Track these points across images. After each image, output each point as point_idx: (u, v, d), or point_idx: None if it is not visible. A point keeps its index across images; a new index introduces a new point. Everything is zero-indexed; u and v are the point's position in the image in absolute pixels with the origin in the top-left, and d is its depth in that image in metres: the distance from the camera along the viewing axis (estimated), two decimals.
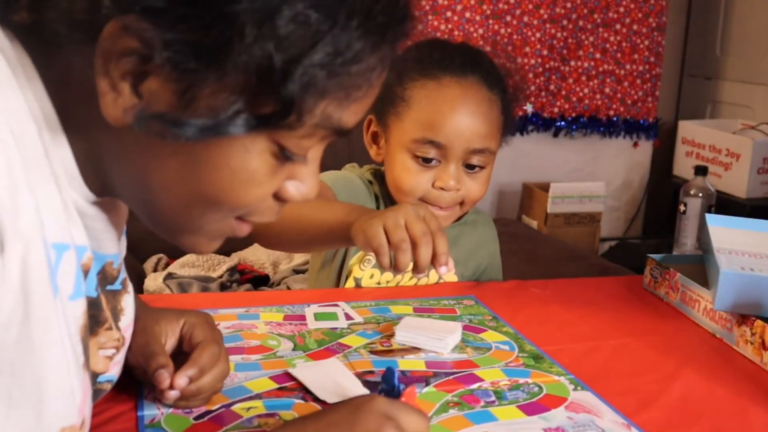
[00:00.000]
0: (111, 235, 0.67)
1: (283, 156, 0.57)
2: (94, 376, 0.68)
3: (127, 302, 0.73)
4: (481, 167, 1.15)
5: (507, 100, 1.18)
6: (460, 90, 1.13)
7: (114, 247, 0.67)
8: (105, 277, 0.68)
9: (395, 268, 0.87)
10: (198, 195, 0.57)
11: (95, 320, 0.66)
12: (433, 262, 0.88)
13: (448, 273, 0.89)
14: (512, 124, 1.21)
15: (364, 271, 1.23)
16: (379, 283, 1.24)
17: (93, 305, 0.65)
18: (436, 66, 1.14)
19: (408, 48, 1.18)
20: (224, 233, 0.63)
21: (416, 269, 0.88)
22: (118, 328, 0.70)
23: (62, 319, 0.56)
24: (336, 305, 1.12)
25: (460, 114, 1.11)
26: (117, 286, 0.70)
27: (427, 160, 1.13)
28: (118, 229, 0.70)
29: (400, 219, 0.88)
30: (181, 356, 0.81)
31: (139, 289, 1.63)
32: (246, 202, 0.58)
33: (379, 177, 1.24)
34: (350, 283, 1.24)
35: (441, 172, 1.14)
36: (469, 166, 1.15)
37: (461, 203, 1.17)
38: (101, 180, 0.61)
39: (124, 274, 0.72)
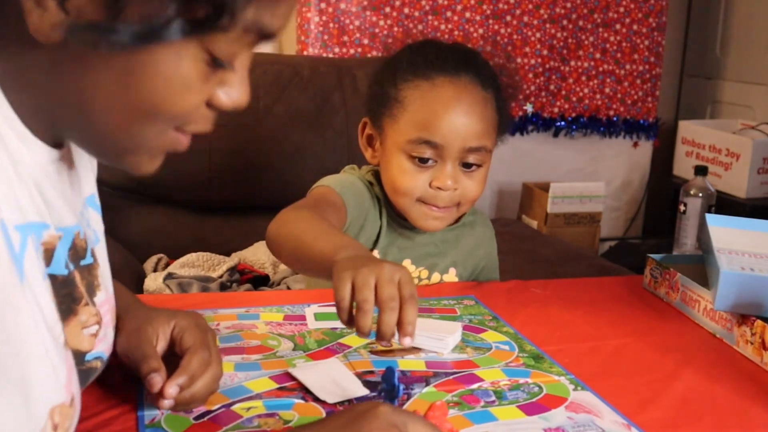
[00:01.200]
0: (70, 205, 0.67)
1: (214, 63, 0.58)
2: (80, 354, 0.68)
3: (103, 276, 0.73)
4: (478, 165, 1.16)
5: (502, 98, 1.18)
6: (454, 90, 1.13)
7: (74, 218, 0.67)
8: (76, 252, 0.67)
9: (356, 329, 0.79)
10: (136, 108, 0.58)
11: (71, 298, 0.66)
12: (399, 329, 0.80)
13: (411, 343, 0.80)
14: (508, 123, 1.22)
15: None
16: None
17: (66, 283, 0.65)
18: (430, 66, 1.14)
19: (401, 49, 1.21)
20: (165, 147, 0.66)
21: (378, 336, 0.79)
22: (93, 304, 0.69)
23: (33, 301, 0.56)
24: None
25: (455, 113, 1.11)
26: (89, 259, 0.69)
27: (423, 161, 1.13)
28: (78, 197, 0.70)
29: (370, 278, 0.79)
30: (174, 358, 0.80)
31: (139, 289, 1.63)
32: (182, 109, 0.60)
33: (379, 178, 1.24)
34: None
35: (438, 172, 1.14)
36: (466, 165, 1.15)
37: (459, 203, 1.18)
38: (47, 122, 0.61)
39: (92, 245, 0.71)
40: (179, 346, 0.81)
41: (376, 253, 1.20)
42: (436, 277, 1.26)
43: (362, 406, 0.67)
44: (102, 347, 0.72)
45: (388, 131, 1.16)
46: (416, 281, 1.23)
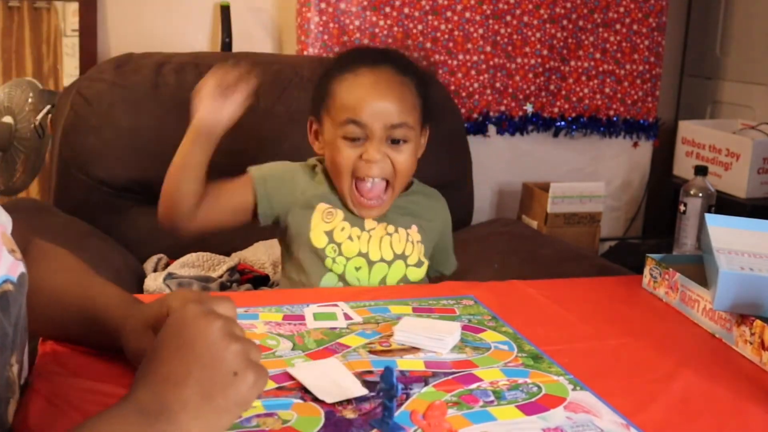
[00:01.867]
0: None
1: None
2: None
3: None
4: (405, 141, 1.29)
5: (422, 83, 1.33)
6: (373, 76, 1.29)
7: None
8: None
9: None
10: None
11: None
12: None
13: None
14: (432, 106, 1.36)
15: (330, 224, 1.31)
16: (350, 238, 1.32)
17: None
18: (353, 62, 1.31)
19: (333, 56, 1.41)
20: None
21: None
22: None
23: None
24: (335, 305, 1.12)
25: (375, 95, 1.27)
26: None
27: (354, 140, 1.27)
28: None
29: None
30: None
31: (139, 289, 1.63)
32: None
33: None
34: (321, 241, 1.30)
35: (366, 147, 1.27)
36: (393, 141, 1.28)
37: (390, 181, 1.30)
38: None
39: None
40: None
41: (331, 208, 1.32)
42: (402, 232, 1.36)
43: (177, 324, 0.66)
44: (2, 271, 0.71)
45: (325, 122, 1.32)
46: (385, 234, 1.34)
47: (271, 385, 0.87)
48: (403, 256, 1.35)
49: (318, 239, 1.31)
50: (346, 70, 1.30)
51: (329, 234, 1.32)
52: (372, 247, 1.33)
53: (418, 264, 1.36)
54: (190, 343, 0.65)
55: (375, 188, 1.30)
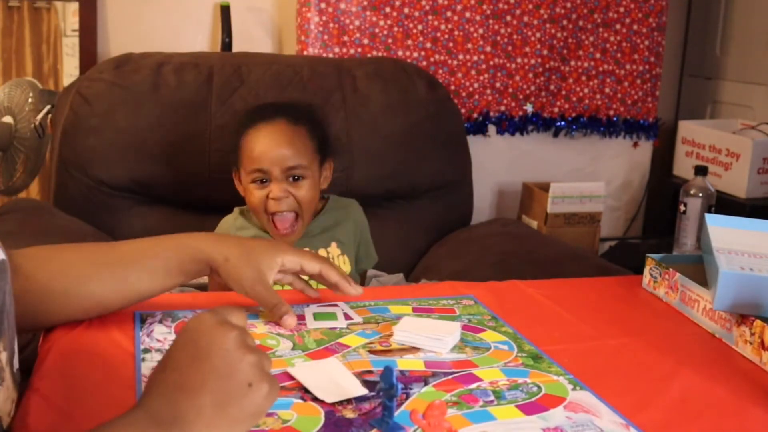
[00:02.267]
0: None
1: None
2: None
3: None
4: (302, 177, 1.50)
5: (314, 127, 1.55)
6: (270, 129, 1.51)
7: None
8: None
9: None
10: None
11: None
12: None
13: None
14: (328, 144, 1.59)
15: None
16: None
17: None
18: (255, 119, 1.53)
19: (241, 114, 1.64)
20: None
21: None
22: None
23: None
24: (335, 305, 1.12)
25: (268, 144, 1.49)
26: None
27: (262, 182, 1.50)
28: None
29: None
30: None
31: None
32: None
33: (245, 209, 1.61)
34: None
35: (271, 187, 1.49)
36: (294, 179, 1.49)
37: (298, 212, 1.50)
38: None
39: None
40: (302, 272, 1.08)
41: None
42: (323, 252, 1.57)
43: (190, 340, 0.67)
44: None
45: (241, 172, 1.54)
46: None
47: None
48: None
49: None
50: (250, 127, 1.52)
51: None
52: None
53: (351, 274, 1.57)
54: (205, 352, 0.65)
55: (285, 220, 1.50)
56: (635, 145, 2.77)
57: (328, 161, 1.59)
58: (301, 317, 1.08)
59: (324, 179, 1.57)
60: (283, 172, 1.48)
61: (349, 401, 0.84)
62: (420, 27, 2.41)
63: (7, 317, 0.77)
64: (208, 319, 0.67)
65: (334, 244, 1.59)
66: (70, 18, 2.27)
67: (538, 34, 2.54)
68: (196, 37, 2.39)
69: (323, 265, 1.08)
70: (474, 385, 0.89)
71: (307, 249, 1.11)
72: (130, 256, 1.02)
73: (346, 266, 1.59)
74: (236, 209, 1.62)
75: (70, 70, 2.27)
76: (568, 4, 2.55)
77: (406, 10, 2.38)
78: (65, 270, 0.97)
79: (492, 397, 0.87)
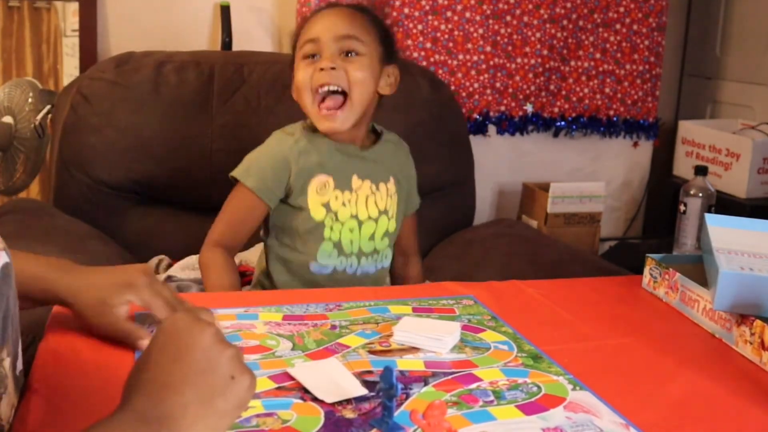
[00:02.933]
0: None
1: None
2: None
3: None
4: (356, 53, 1.37)
5: (382, 24, 1.45)
6: (327, 9, 1.43)
7: None
8: None
9: None
10: None
11: None
12: None
13: None
14: (391, 37, 1.47)
15: (325, 196, 1.41)
16: (343, 204, 1.43)
17: None
18: (317, 10, 1.45)
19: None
20: None
21: None
22: None
23: None
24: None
25: (325, 16, 1.40)
26: None
27: (312, 56, 1.38)
28: None
29: None
30: None
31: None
32: None
33: (305, 126, 1.46)
34: (320, 214, 1.41)
35: (320, 60, 1.37)
36: (346, 54, 1.37)
37: (346, 92, 1.36)
38: None
39: None
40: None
41: (322, 179, 1.41)
42: (382, 187, 1.47)
43: (166, 339, 0.68)
44: None
45: (295, 59, 1.43)
46: (369, 193, 1.45)
47: (271, 385, 0.88)
48: (385, 212, 1.47)
49: (317, 213, 1.41)
50: (310, 17, 1.44)
51: (326, 206, 1.42)
52: (360, 207, 1.44)
53: (396, 217, 1.50)
54: (185, 350, 0.66)
55: (331, 98, 1.36)
56: (635, 145, 2.76)
57: (393, 67, 1.45)
58: (301, 317, 1.08)
59: (387, 84, 1.44)
60: (336, 40, 1.36)
61: (348, 401, 0.84)
62: (420, 27, 2.41)
63: (11, 322, 0.77)
64: (183, 318, 0.69)
65: (392, 180, 1.49)
66: (70, 18, 2.27)
67: (538, 34, 2.54)
68: (196, 37, 2.39)
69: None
70: (474, 385, 0.89)
71: (164, 289, 0.99)
72: None
73: (396, 211, 1.49)
74: (289, 129, 1.47)
75: (70, 70, 2.27)
76: (568, 4, 2.54)
77: (406, 10, 2.38)
78: None
79: (492, 397, 0.87)
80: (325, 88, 1.36)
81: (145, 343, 0.92)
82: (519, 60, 2.53)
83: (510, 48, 2.52)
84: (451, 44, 2.45)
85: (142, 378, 0.66)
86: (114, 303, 0.95)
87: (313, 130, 1.44)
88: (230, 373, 0.67)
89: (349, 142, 1.44)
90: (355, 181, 1.44)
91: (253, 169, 1.42)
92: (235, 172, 1.43)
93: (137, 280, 0.97)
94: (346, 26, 1.38)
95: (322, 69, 1.35)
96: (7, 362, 0.77)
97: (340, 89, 1.36)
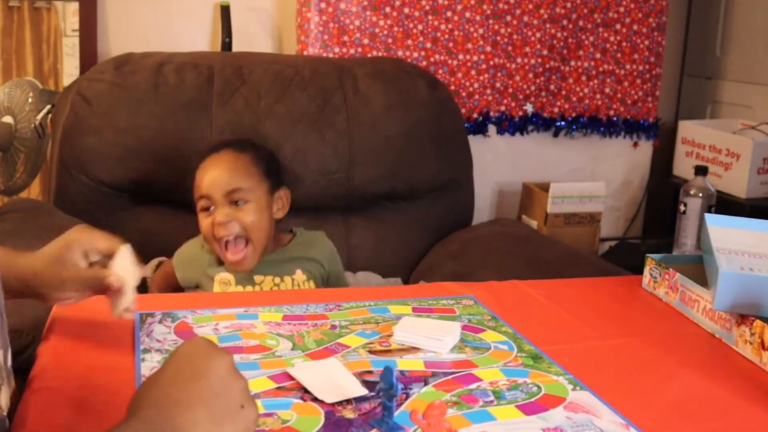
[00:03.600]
0: None
1: None
2: None
3: None
4: (244, 201, 1.51)
5: (261, 156, 1.59)
6: (214, 158, 1.56)
7: None
8: None
9: None
10: None
11: None
12: None
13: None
14: (279, 173, 1.63)
15: (229, 289, 1.54)
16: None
17: None
18: (205, 154, 1.58)
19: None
20: None
21: None
22: None
23: None
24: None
25: (211, 171, 1.53)
26: None
27: (205, 209, 1.52)
28: None
29: None
30: None
31: (139, 291, 1.63)
32: None
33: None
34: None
35: (216, 213, 1.51)
36: (237, 203, 1.50)
37: (245, 235, 1.50)
38: None
39: None
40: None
41: (225, 276, 1.55)
42: (288, 279, 1.57)
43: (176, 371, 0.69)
44: None
45: (197, 207, 1.56)
46: (273, 285, 1.55)
47: (271, 385, 0.88)
48: None
49: None
50: (200, 161, 1.56)
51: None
52: None
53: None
54: (203, 372, 0.69)
55: (235, 246, 1.50)
56: (635, 145, 2.77)
57: (282, 190, 1.60)
58: (301, 317, 1.07)
59: (278, 209, 1.59)
60: (225, 196, 1.50)
61: (348, 401, 0.84)
62: (420, 27, 2.41)
63: (1, 314, 0.77)
64: (202, 343, 0.72)
65: (299, 271, 1.59)
66: (70, 18, 2.27)
67: (538, 34, 2.54)
68: (196, 37, 2.39)
69: (114, 247, 1.04)
70: (474, 385, 0.89)
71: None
72: None
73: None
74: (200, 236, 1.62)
75: (70, 70, 2.27)
76: (568, 4, 2.55)
77: (406, 10, 2.38)
78: None
79: (492, 397, 0.87)
80: (224, 240, 1.50)
81: (113, 278, 0.97)
82: (519, 60, 2.53)
83: (510, 48, 2.52)
84: (451, 44, 2.45)
85: (155, 393, 0.68)
86: (67, 258, 0.99)
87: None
88: (241, 401, 0.69)
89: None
90: (257, 278, 1.55)
91: (181, 255, 1.63)
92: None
93: (77, 233, 1.03)
94: (231, 180, 1.51)
95: (216, 224, 1.50)
96: (0, 354, 0.77)
97: (237, 236, 1.51)
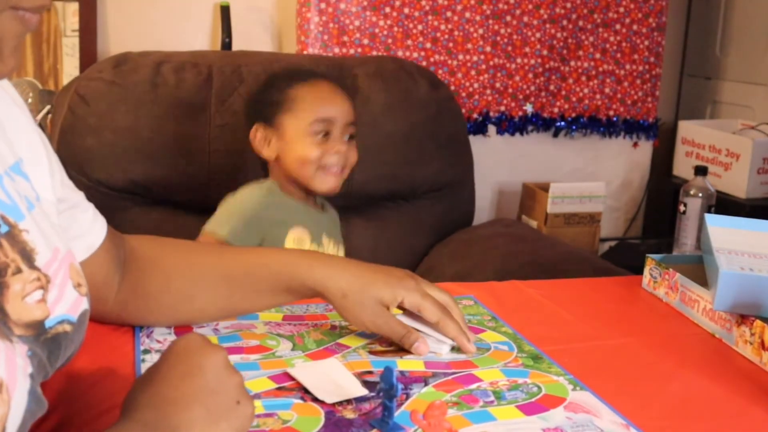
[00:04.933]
0: None
1: None
2: (38, 324, 0.66)
3: (43, 236, 0.71)
4: (352, 137, 1.52)
5: None
6: (327, 85, 1.54)
7: None
8: None
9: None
10: None
11: None
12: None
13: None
14: None
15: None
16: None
17: None
18: (303, 75, 1.57)
19: (268, 78, 1.64)
20: (11, 35, 0.64)
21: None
22: (35, 268, 0.67)
23: None
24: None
25: (336, 97, 1.51)
26: (4, 227, 0.67)
27: (324, 134, 1.47)
28: None
29: None
30: None
31: None
32: None
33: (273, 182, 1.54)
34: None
35: (333, 142, 1.48)
36: (350, 137, 1.51)
37: (344, 168, 1.51)
38: None
39: (9, 213, 0.68)
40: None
41: (299, 232, 1.49)
42: (342, 246, 1.60)
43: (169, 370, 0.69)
44: (62, 309, 0.70)
45: (287, 125, 1.50)
46: (336, 251, 1.57)
47: (271, 385, 0.87)
48: None
49: None
50: (300, 82, 1.52)
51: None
52: None
53: None
54: (197, 369, 0.67)
55: (339, 176, 1.51)
56: (635, 145, 2.77)
57: None
58: (301, 317, 1.07)
59: None
60: (345, 125, 1.49)
61: (349, 402, 0.84)
62: (420, 27, 2.41)
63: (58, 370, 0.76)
64: (196, 339, 0.70)
65: (341, 239, 1.61)
66: (70, 18, 2.27)
67: (538, 34, 2.54)
68: (196, 37, 2.39)
69: (443, 317, 0.97)
70: (474, 386, 0.89)
71: (432, 289, 0.98)
72: (237, 271, 1.00)
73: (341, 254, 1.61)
74: (264, 184, 1.54)
75: (70, 70, 2.27)
76: (568, 4, 2.55)
77: (406, 10, 2.38)
78: (172, 283, 1.00)
79: (492, 398, 0.87)
80: (335, 169, 1.49)
81: (422, 347, 0.95)
82: (519, 60, 2.53)
83: (510, 48, 2.52)
84: (451, 44, 2.45)
85: (149, 392, 0.67)
86: (386, 300, 0.95)
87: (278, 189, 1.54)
88: (237, 398, 0.68)
89: (311, 205, 1.57)
90: (325, 238, 1.55)
91: (232, 222, 1.45)
92: (209, 227, 1.46)
93: (407, 280, 0.97)
94: (351, 112, 1.51)
95: (337, 152, 1.48)
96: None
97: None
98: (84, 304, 0.74)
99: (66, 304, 0.71)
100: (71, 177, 1.80)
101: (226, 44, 2.30)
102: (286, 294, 0.99)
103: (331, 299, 0.96)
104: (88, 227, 0.92)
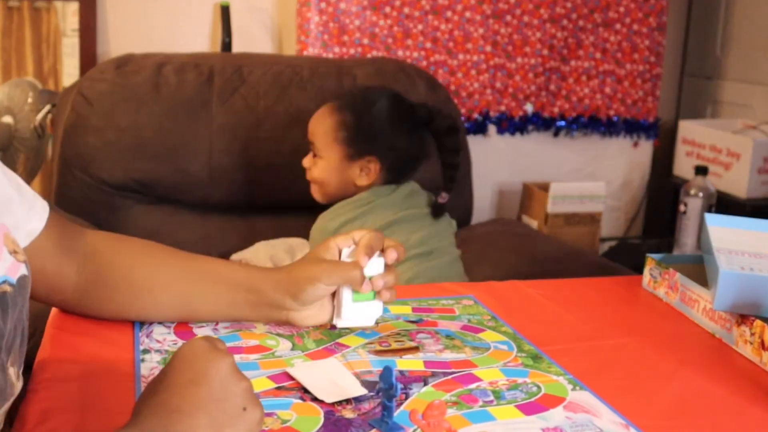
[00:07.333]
0: None
1: None
2: None
3: None
4: (319, 156, 1.60)
5: (356, 122, 1.57)
6: (324, 106, 1.63)
7: None
8: None
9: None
10: None
11: None
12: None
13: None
14: (369, 138, 1.58)
15: None
16: None
17: None
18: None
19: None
20: None
21: None
22: None
23: None
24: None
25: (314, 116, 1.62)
26: None
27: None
28: None
29: None
30: None
31: None
32: None
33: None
34: None
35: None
36: (314, 154, 1.61)
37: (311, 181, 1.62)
38: None
39: None
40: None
41: None
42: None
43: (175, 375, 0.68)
44: (0, 270, 0.72)
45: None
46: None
47: (271, 385, 0.88)
48: None
49: None
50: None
51: None
52: None
53: None
54: (202, 376, 0.67)
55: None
56: (635, 145, 2.77)
57: (368, 158, 1.58)
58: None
59: (359, 176, 1.59)
60: (310, 143, 1.61)
61: (348, 401, 0.84)
62: (420, 27, 2.41)
63: (22, 332, 0.77)
64: (201, 345, 0.69)
65: None
66: (70, 18, 2.27)
67: (538, 34, 2.54)
68: (196, 37, 2.39)
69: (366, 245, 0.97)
70: (473, 385, 0.89)
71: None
72: (197, 267, 1.02)
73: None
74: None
75: (70, 70, 2.27)
76: (568, 4, 2.55)
77: (406, 10, 2.39)
78: (131, 274, 1.00)
79: (491, 397, 0.87)
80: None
81: (364, 260, 0.95)
82: (519, 60, 2.53)
83: (510, 48, 2.52)
84: (451, 44, 2.45)
85: (155, 400, 0.67)
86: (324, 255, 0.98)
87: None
88: (243, 404, 0.68)
89: None
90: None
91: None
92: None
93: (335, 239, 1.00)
94: (312, 131, 1.62)
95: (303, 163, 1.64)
96: (12, 371, 0.77)
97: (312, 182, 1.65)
98: (23, 270, 0.76)
99: (3, 267, 0.73)
100: (74, 176, 1.82)
101: (226, 44, 2.30)
102: (245, 293, 0.98)
103: (279, 276, 0.98)
104: (24, 216, 0.90)
